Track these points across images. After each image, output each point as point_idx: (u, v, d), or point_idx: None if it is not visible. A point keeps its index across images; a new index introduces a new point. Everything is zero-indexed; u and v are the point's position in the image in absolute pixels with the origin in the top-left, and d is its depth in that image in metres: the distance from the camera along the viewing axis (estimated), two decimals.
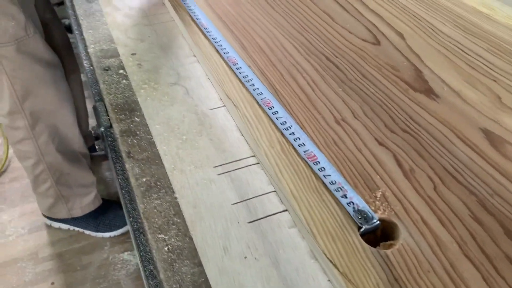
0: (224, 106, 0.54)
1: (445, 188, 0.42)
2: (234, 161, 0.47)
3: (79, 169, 1.16)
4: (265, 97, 0.52)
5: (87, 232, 1.26)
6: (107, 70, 0.59)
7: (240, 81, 0.55)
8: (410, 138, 0.47)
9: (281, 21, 0.68)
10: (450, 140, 0.47)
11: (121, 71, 0.59)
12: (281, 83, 0.55)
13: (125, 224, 1.25)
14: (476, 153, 0.46)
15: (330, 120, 0.50)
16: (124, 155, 0.47)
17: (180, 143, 0.48)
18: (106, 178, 1.45)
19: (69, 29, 1.22)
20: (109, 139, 0.50)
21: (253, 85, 0.54)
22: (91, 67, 0.60)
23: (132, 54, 0.62)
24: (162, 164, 0.46)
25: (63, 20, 1.25)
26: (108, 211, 1.26)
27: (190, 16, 0.68)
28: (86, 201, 1.21)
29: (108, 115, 0.53)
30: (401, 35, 0.64)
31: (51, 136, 1.06)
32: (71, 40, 1.19)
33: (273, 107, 0.51)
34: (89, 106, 1.42)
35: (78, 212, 1.21)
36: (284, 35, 0.65)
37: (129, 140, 0.49)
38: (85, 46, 0.63)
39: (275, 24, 0.67)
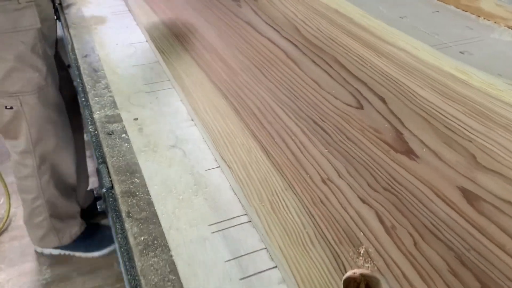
0: (219, 167, 0.58)
1: (425, 244, 0.45)
2: (227, 219, 0.50)
3: (69, 201, 1.27)
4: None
5: (77, 254, 1.36)
6: (110, 134, 0.63)
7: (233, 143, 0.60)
8: (391, 197, 0.51)
9: (272, 88, 0.74)
10: (429, 198, 0.50)
11: (123, 135, 0.63)
12: (271, 145, 0.60)
13: (113, 242, 1.31)
14: (454, 210, 0.49)
15: (316, 180, 0.53)
16: (124, 214, 0.50)
17: (177, 203, 0.52)
18: None
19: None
20: (110, 199, 0.54)
21: (244, 145, 0.58)
22: (96, 132, 0.65)
23: (134, 119, 0.67)
24: (160, 223, 0.49)
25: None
26: (95, 232, 1.38)
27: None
28: (74, 228, 1.31)
29: (110, 177, 0.56)
30: (382, 100, 0.70)
31: (52, 175, 1.16)
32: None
33: None
34: (91, 164, 1.46)
35: (67, 240, 1.31)
36: (275, 101, 0.70)
37: (129, 201, 0.52)
38: (91, 112, 0.68)
39: (267, 90, 0.73)
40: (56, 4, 1.05)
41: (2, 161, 1.67)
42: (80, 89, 0.77)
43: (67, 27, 0.94)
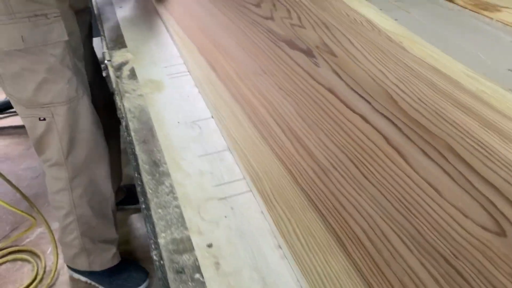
0: None
1: None
2: None
3: (105, 224, 1.27)
4: None
5: None
6: (180, 273, 0.50)
7: None
8: None
9: (378, 198, 0.58)
10: None
11: (197, 275, 0.50)
12: None
13: (138, 286, 1.37)
14: None
15: None
16: None
17: None
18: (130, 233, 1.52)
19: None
20: None
21: None
22: (162, 264, 0.52)
23: (208, 246, 0.53)
24: None
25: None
26: (124, 270, 1.37)
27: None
28: (106, 257, 1.31)
29: None
30: None
31: (86, 190, 1.17)
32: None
33: None
34: None
35: (97, 266, 1.32)
36: (384, 218, 0.55)
37: None
38: (155, 233, 0.55)
39: (372, 202, 0.57)
40: (105, 61, 0.94)
41: (45, 203, 1.61)
42: (139, 189, 0.64)
43: (120, 94, 0.83)
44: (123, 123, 0.78)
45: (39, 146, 1.13)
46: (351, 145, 0.66)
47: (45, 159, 1.15)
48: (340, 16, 1.05)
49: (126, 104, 0.80)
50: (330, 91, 0.78)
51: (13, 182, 1.93)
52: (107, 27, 1.08)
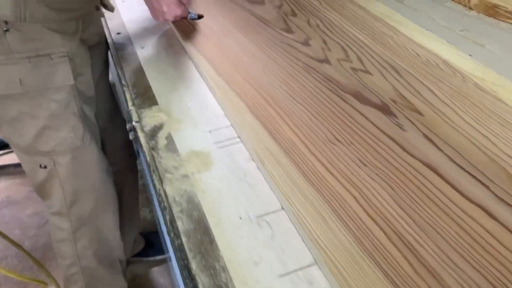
0: None
1: None
2: None
3: (112, 274, 1.16)
4: None
5: None
6: None
7: None
8: None
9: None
10: None
11: None
12: None
13: None
14: None
15: None
16: None
17: None
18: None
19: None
20: None
21: None
22: None
23: None
24: None
25: None
26: None
27: None
28: None
29: None
30: None
31: (91, 241, 1.08)
32: None
33: None
34: None
35: None
36: None
37: None
38: None
39: None
40: (133, 123, 0.78)
41: (55, 255, 1.45)
42: None
43: (158, 174, 0.66)
44: (166, 218, 0.60)
45: (41, 192, 1.03)
46: (486, 259, 0.49)
47: (48, 205, 1.05)
48: (408, 55, 0.89)
49: (169, 190, 0.62)
50: (431, 168, 0.61)
51: (18, 230, 1.76)
52: (129, 75, 0.91)
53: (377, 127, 0.69)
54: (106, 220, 1.09)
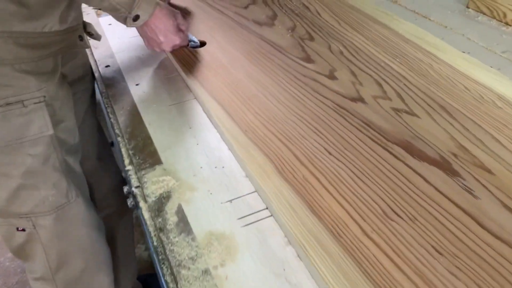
0: None
1: None
2: None
3: None
4: None
5: None
6: None
7: None
8: None
9: None
10: None
11: None
12: None
13: None
14: None
15: None
16: None
17: None
18: None
19: None
20: None
21: None
22: None
23: None
24: None
25: None
26: None
27: None
28: None
29: None
30: None
31: None
32: None
33: None
34: None
35: None
36: None
37: None
38: None
39: None
40: (132, 188, 0.63)
41: None
42: None
43: (170, 269, 0.51)
44: None
45: (19, 254, 0.88)
46: None
47: (29, 270, 0.89)
48: (456, 89, 0.75)
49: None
50: None
51: (0, 276, 1.59)
52: (123, 122, 0.76)
53: (443, 194, 0.56)
54: (98, 283, 0.95)
